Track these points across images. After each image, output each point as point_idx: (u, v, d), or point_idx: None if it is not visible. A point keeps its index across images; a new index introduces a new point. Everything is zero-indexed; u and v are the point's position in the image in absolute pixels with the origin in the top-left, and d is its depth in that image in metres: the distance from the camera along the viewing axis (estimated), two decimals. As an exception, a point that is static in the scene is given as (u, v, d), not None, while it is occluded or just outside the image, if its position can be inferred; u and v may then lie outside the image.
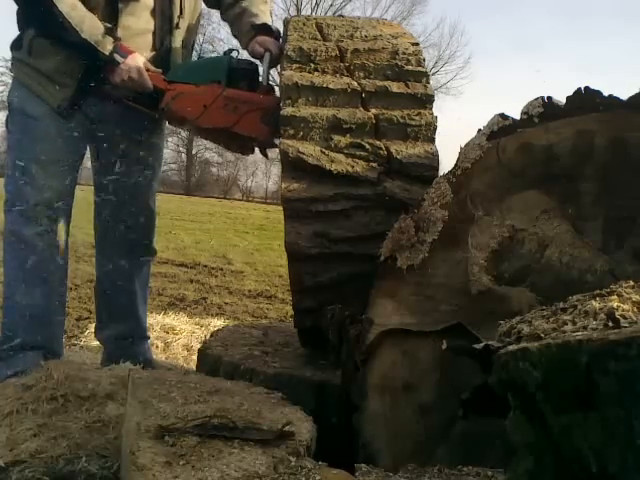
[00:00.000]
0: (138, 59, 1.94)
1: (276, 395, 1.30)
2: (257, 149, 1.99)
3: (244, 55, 2.10)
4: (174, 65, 2.10)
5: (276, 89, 1.88)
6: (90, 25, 1.89)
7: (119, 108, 2.06)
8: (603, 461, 0.55)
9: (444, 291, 1.24)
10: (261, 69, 1.95)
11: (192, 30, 2.19)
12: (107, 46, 1.90)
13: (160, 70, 1.98)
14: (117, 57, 1.91)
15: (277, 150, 1.71)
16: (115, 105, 2.06)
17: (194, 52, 2.35)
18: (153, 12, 2.04)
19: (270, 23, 2.10)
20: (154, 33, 2.06)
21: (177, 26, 2.08)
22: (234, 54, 1.98)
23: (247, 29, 2.09)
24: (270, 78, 1.94)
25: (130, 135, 2.14)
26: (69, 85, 2.00)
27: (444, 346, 1.16)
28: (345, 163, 1.57)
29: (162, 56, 2.08)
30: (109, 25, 1.93)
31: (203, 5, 2.28)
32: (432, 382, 1.23)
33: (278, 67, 1.95)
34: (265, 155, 2.03)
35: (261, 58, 1.97)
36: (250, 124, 1.85)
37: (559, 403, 0.60)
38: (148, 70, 1.95)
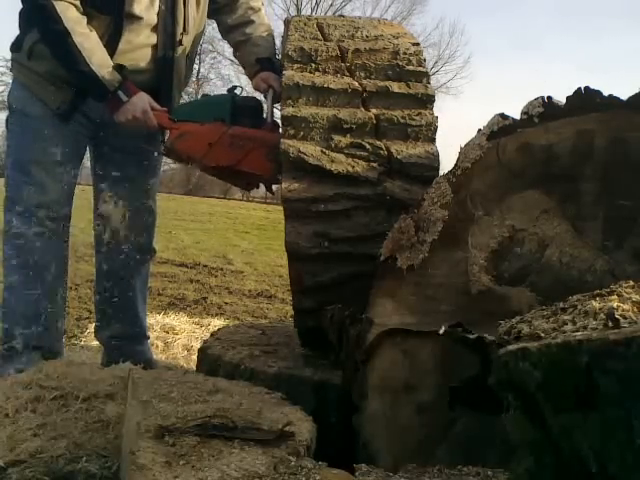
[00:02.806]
0: (144, 98, 1.94)
1: (276, 395, 1.30)
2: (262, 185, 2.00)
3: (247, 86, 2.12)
4: (178, 76, 2.10)
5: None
6: (100, 58, 1.89)
7: None
8: (603, 461, 0.55)
9: (444, 291, 1.24)
10: (265, 105, 1.95)
11: (195, 43, 2.20)
12: (113, 83, 1.90)
13: (165, 109, 1.99)
14: (121, 95, 1.91)
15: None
16: None
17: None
18: (155, 29, 2.04)
19: (274, 53, 2.10)
20: (155, 47, 2.05)
21: (180, 42, 2.08)
22: (238, 91, 1.99)
23: (251, 62, 2.10)
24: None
25: (130, 135, 2.14)
26: (68, 88, 2.00)
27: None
28: (345, 163, 1.57)
29: (164, 69, 2.08)
30: (120, 63, 1.94)
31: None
32: (432, 382, 1.23)
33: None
34: (270, 191, 2.04)
35: (265, 94, 1.98)
36: (255, 161, 1.85)
37: (559, 403, 0.60)
38: (153, 109, 1.95)
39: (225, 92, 2.04)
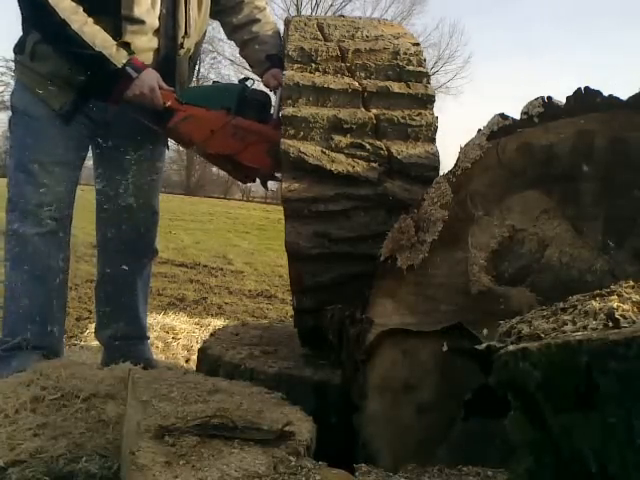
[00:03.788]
0: (152, 75, 1.94)
1: (276, 395, 1.30)
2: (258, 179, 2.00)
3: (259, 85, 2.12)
4: (180, 78, 2.10)
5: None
6: (102, 39, 1.89)
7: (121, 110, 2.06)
8: (603, 461, 0.55)
9: (444, 291, 1.24)
10: (273, 101, 1.95)
11: (197, 45, 2.20)
12: (121, 59, 1.89)
13: (172, 89, 1.98)
14: (130, 71, 1.91)
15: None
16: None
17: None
18: (157, 32, 2.04)
19: (281, 51, 2.09)
20: (157, 50, 2.05)
21: (182, 46, 2.08)
22: (249, 83, 1.99)
23: (260, 59, 2.11)
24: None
25: (132, 136, 2.14)
26: (70, 89, 2.00)
27: (445, 348, 1.17)
28: (346, 163, 1.57)
29: (166, 72, 2.07)
30: (125, 41, 1.93)
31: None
32: (432, 382, 1.23)
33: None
34: (265, 187, 2.04)
35: (274, 91, 1.98)
36: (255, 155, 1.85)
37: (559, 403, 0.60)
38: (161, 88, 1.95)
39: (236, 82, 2.04)
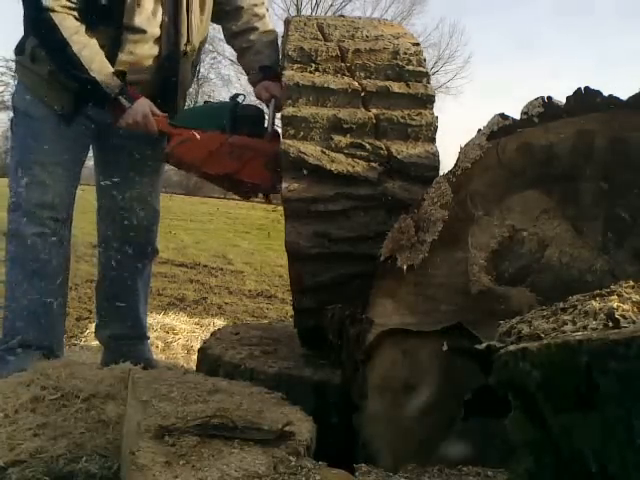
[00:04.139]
0: (144, 103, 1.95)
1: (276, 395, 1.30)
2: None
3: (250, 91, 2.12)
4: (182, 82, 2.10)
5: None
6: (99, 64, 1.90)
7: None
8: (603, 461, 0.56)
9: (444, 291, 1.24)
10: (266, 114, 1.95)
11: (199, 50, 2.20)
12: (114, 88, 1.90)
13: (166, 114, 1.99)
14: (122, 100, 1.92)
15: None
16: None
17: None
18: (158, 40, 2.04)
19: (277, 61, 2.08)
20: (158, 56, 2.06)
21: (184, 52, 2.08)
22: (240, 99, 1.99)
23: (254, 69, 2.10)
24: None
25: (133, 136, 2.14)
26: (71, 90, 2.00)
27: (444, 347, 1.17)
28: (345, 163, 1.57)
29: (168, 79, 2.07)
30: (121, 69, 1.94)
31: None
32: (432, 382, 1.23)
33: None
34: (269, 201, 2.04)
35: (267, 103, 1.98)
36: (254, 171, 1.85)
37: (559, 403, 0.60)
38: (154, 114, 1.95)
39: (228, 97, 2.05)
